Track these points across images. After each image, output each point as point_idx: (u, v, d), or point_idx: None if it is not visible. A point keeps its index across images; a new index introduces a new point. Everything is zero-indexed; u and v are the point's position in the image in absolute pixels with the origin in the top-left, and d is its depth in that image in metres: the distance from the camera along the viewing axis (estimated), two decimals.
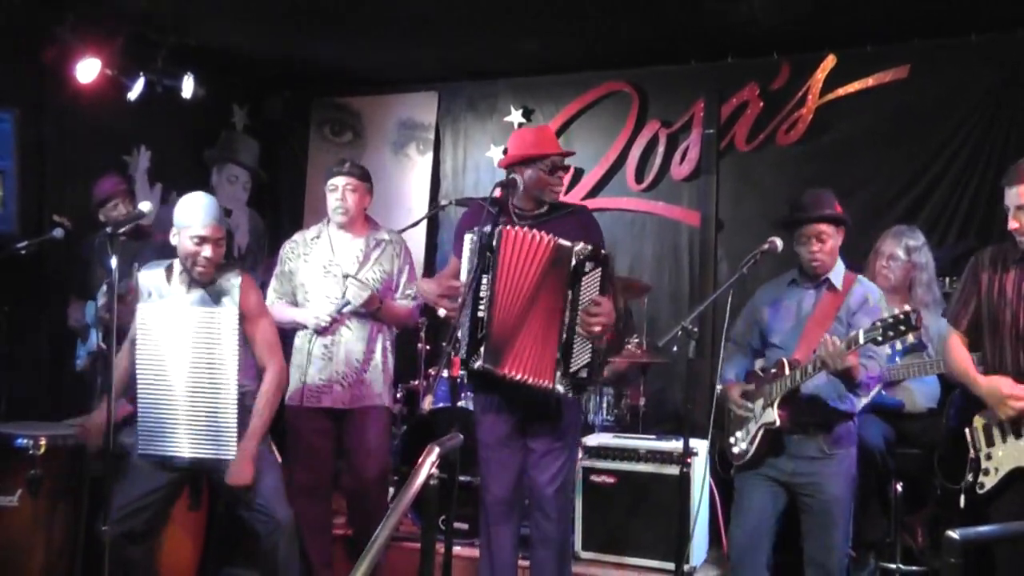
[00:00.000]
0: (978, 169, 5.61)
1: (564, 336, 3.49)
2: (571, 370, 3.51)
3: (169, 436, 3.78)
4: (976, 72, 5.62)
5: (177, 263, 3.85)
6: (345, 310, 4.30)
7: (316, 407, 4.30)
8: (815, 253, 3.74)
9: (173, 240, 3.80)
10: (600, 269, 3.52)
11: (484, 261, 3.53)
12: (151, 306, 3.81)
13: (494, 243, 3.55)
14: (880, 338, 3.37)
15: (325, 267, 4.34)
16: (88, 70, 5.54)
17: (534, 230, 3.59)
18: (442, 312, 3.73)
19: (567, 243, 3.54)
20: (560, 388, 3.51)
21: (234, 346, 3.79)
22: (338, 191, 4.31)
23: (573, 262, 3.50)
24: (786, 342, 3.80)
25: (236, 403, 3.79)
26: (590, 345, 3.52)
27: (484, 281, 3.56)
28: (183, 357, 3.78)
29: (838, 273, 3.81)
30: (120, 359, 3.86)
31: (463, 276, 3.61)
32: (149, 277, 3.86)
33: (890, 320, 3.36)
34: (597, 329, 3.48)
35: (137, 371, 3.81)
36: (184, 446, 3.79)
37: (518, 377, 3.53)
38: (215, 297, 3.81)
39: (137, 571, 3.86)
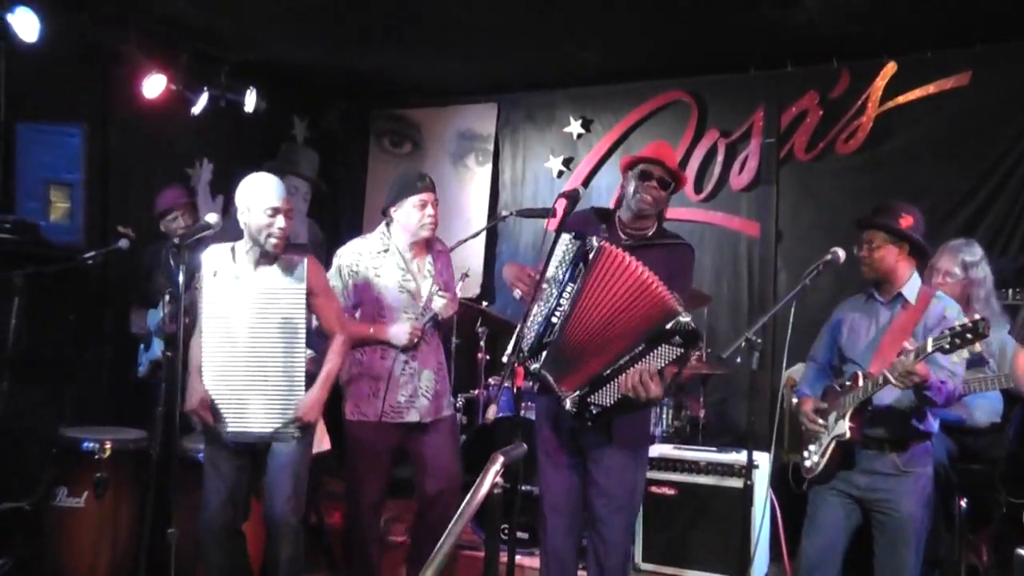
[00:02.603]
0: None
1: (607, 371, 3.40)
2: (588, 400, 3.44)
3: (238, 412, 3.81)
4: None
5: (241, 244, 3.89)
6: (429, 323, 4.30)
7: (395, 422, 4.25)
8: (863, 258, 3.74)
9: (242, 218, 3.82)
10: (683, 351, 3.37)
11: (575, 271, 3.45)
12: (218, 284, 3.84)
13: (591, 257, 3.43)
14: (948, 346, 3.31)
15: (400, 283, 4.28)
16: (154, 86, 5.69)
17: (635, 261, 3.40)
18: (517, 294, 3.67)
19: (679, 309, 3.33)
20: (567, 403, 3.45)
21: (302, 320, 3.82)
22: (428, 206, 4.25)
23: (668, 325, 3.32)
24: (862, 357, 3.74)
25: (304, 375, 3.82)
26: (619, 396, 3.41)
27: (568, 290, 3.45)
28: (252, 333, 3.81)
29: (912, 288, 3.74)
30: (195, 351, 3.89)
31: (551, 270, 3.50)
32: (213, 257, 3.88)
33: (959, 328, 3.30)
34: (631, 395, 3.37)
35: (204, 350, 3.84)
36: (254, 421, 3.81)
37: (552, 383, 3.50)
38: (282, 275, 3.85)
39: (237, 564, 3.93)
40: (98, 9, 5.46)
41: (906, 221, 3.71)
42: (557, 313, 3.48)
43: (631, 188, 3.71)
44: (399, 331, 4.20)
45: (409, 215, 4.24)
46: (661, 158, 3.72)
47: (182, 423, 3.75)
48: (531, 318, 3.48)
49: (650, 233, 3.76)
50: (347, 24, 5.87)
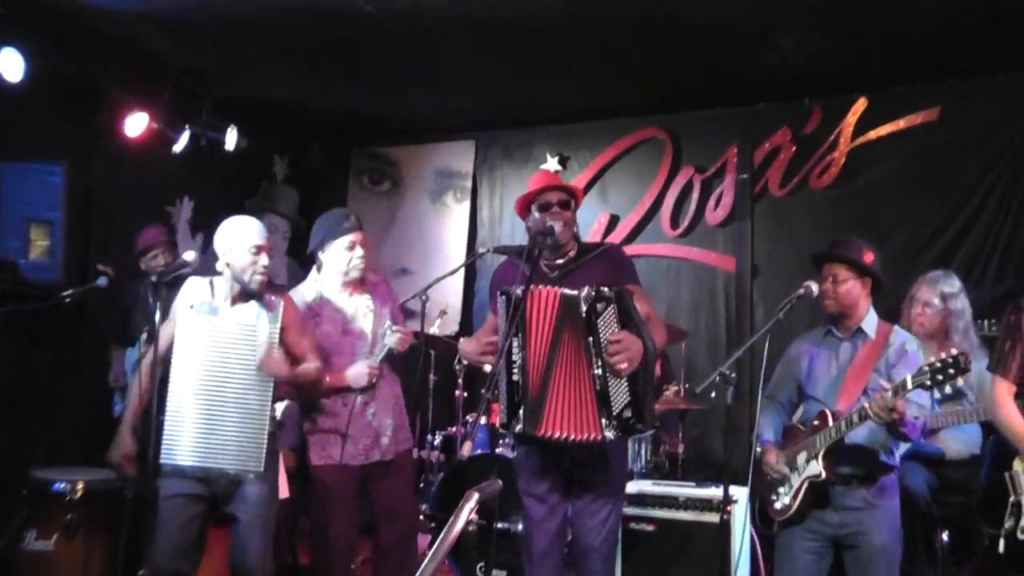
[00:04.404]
0: (1013, 208, 5.60)
1: (598, 384, 3.42)
2: (615, 413, 3.42)
3: (197, 447, 3.76)
4: (1006, 111, 5.63)
5: (220, 280, 3.90)
6: (384, 359, 4.28)
7: (361, 464, 4.22)
8: (827, 292, 3.74)
9: (224, 259, 3.84)
10: (613, 306, 3.43)
11: (513, 323, 3.47)
12: (196, 316, 3.83)
13: (521, 305, 3.47)
14: (929, 382, 3.31)
15: (342, 327, 4.25)
16: (136, 124, 5.69)
17: (545, 287, 3.52)
18: (487, 368, 3.68)
19: (572, 292, 3.45)
20: (609, 435, 3.41)
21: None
22: (357, 247, 4.21)
23: (584, 308, 3.42)
24: (826, 394, 3.76)
25: (270, 415, 3.81)
26: (625, 384, 3.42)
27: (515, 344, 3.51)
28: (224, 368, 3.79)
29: (870, 323, 3.77)
30: (143, 376, 3.85)
31: (501, 333, 3.57)
32: (192, 290, 3.89)
33: (938, 364, 3.30)
34: (624, 365, 3.36)
35: (172, 380, 3.78)
36: (211, 458, 3.76)
37: (560, 436, 3.46)
38: (259, 312, 3.86)
39: None
40: (81, 47, 5.49)
41: (868, 257, 3.75)
42: (515, 369, 3.51)
43: (536, 221, 3.72)
44: (357, 373, 4.17)
45: (339, 257, 4.20)
46: (548, 183, 3.77)
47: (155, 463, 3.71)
48: (500, 382, 3.52)
49: (573, 254, 3.77)
50: (327, 63, 5.93)
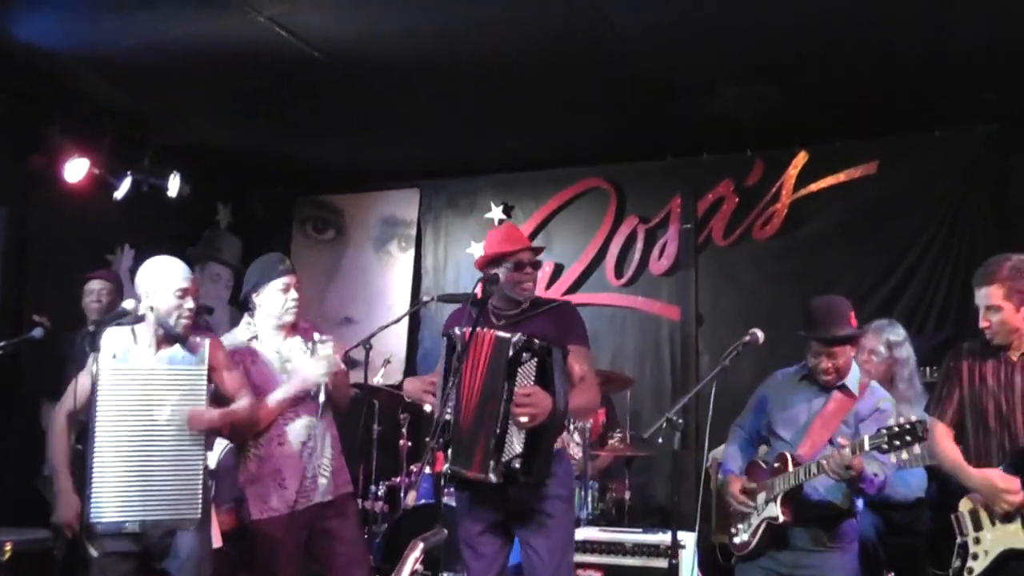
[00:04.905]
0: (950, 259, 5.74)
1: (499, 427, 3.43)
2: (503, 459, 3.44)
3: (130, 500, 3.62)
4: (942, 165, 5.81)
5: (143, 326, 3.78)
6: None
7: (304, 508, 4.12)
8: (828, 368, 3.73)
9: (148, 302, 3.73)
10: (536, 360, 3.47)
11: (451, 364, 3.50)
12: (118, 365, 3.70)
13: (459, 346, 3.51)
14: (885, 446, 3.36)
15: (281, 367, 4.17)
16: (76, 170, 5.58)
17: (487, 329, 3.55)
18: (428, 407, 3.66)
19: (505, 335, 3.49)
20: (492, 477, 3.43)
21: (202, 402, 3.74)
22: (291, 289, 4.16)
23: (510, 353, 3.45)
24: (793, 437, 3.79)
25: (203, 462, 3.72)
26: (523, 435, 3.44)
27: (451, 384, 3.52)
28: (151, 416, 3.68)
29: (853, 379, 3.80)
30: (60, 431, 3.75)
31: (441, 374, 3.60)
32: (113, 338, 3.74)
33: (896, 429, 3.35)
34: (524, 419, 3.39)
35: (98, 433, 3.63)
36: (145, 510, 3.63)
37: (469, 475, 3.50)
38: (184, 355, 3.77)
39: None
40: (20, 91, 5.40)
41: (854, 321, 3.75)
42: (449, 409, 3.52)
43: (506, 278, 3.72)
44: (306, 371, 4.08)
45: (273, 300, 4.16)
46: (525, 244, 3.81)
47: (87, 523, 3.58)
48: (439, 423, 3.52)
49: (527, 306, 3.79)
50: (272, 110, 5.92)
